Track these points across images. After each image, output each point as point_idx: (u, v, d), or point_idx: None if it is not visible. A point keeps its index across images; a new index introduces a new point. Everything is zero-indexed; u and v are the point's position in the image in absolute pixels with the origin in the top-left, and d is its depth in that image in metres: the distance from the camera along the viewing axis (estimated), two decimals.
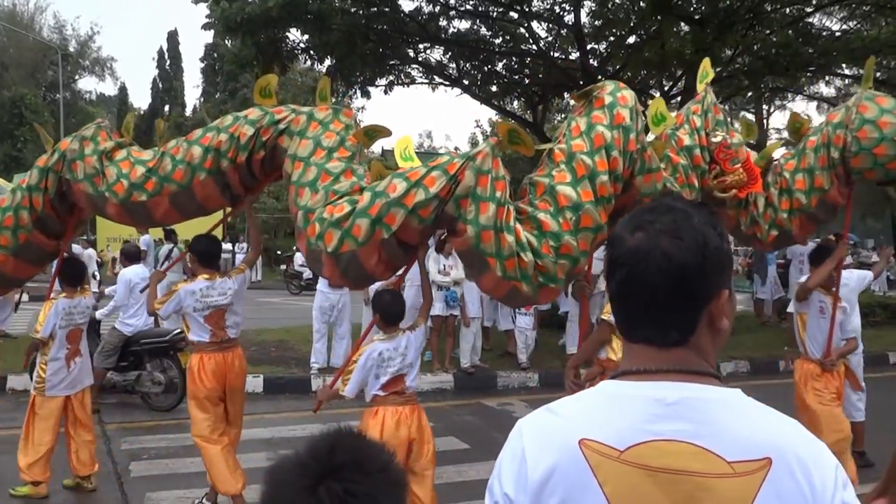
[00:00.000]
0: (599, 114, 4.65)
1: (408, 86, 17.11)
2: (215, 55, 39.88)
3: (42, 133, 5.89)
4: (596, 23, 15.19)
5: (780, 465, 1.26)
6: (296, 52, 15.15)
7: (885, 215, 33.82)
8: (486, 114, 47.89)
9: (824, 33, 15.27)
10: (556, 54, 16.91)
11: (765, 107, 30.62)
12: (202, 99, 44.97)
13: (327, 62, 15.23)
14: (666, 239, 1.33)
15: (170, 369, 8.68)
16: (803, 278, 6.36)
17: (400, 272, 4.99)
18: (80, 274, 6.32)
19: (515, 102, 20.74)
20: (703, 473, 1.26)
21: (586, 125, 4.63)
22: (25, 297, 12.22)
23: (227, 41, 19.30)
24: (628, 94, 4.75)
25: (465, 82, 17.16)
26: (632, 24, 14.38)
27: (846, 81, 22.03)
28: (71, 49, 44.50)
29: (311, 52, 14.96)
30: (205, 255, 5.85)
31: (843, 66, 16.04)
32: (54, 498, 6.02)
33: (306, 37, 14.53)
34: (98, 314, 8.91)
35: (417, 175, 4.33)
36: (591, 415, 1.35)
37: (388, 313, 4.92)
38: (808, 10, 14.48)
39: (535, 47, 16.21)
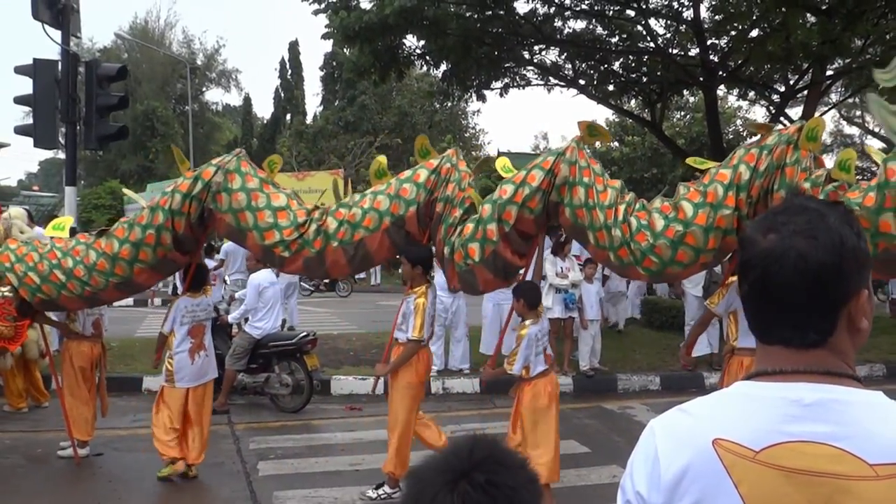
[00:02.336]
0: (754, 152, 5.11)
1: (523, 88, 17.09)
2: (334, 63, 40.88)
3: (178, 154, 6.42)
4: (716, 17, 14.77)
5: None
6: (412, 57, 15.37)
7: None
8: (603, 114, 47.39)
9: None
10: (675, 51, 16.54)
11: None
12: (322, 107, 46.14)
13: (443, 67, 15.39)
14: (801, 239, 1.31)
15: (297, 371, 8.95)
16: None
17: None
18: (204, 279, 6.89)
19: (633, 101, 20.41)
20: (842, 476, 1.23)
21: (738, 159, 5.15)
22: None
23: (345, 49, 19.80)
24: (786, 146, 5.10)
25: (581, 82, 17.01)
26: (754, 17, 13.89)
27: None
28: (198, 62, 46.51)
29: (427, 57, 15.16)
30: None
31: None
32: (184, 492, 6.33)
33: (422, 42, 14.72)
34: (230, 318, 9.29)
35: (520, 177, 5.50)
36: (725, 415, 1.34)
37: (531, 298, 5.89)
38: None
39: (652, 45, 15.90)
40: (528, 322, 5.87)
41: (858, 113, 33.48)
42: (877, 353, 11.31)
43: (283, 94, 49.48)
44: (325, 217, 5.78)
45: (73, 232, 6.92)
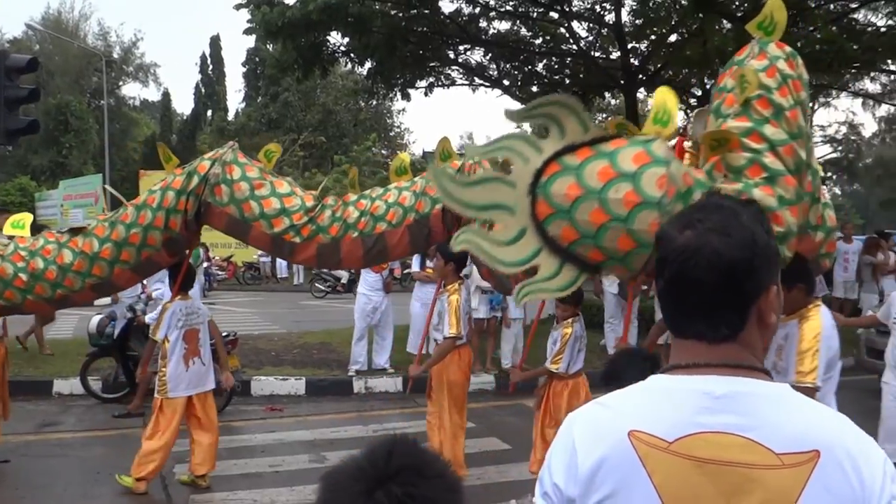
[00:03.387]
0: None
1: (448, 87, 17.18)
2: (257, 59, 40.38)
3: (164, 152, 6.07)
4: (637, 21, 15.08)
5: (829, 458, 1.27)
6: (336, 55, 15.28)
7: None
8: None
9: (869, 29, 14.98)
10: (597, 54, 16.84)
11: (809, 104, 30.13)
12: (244, 103, 45.46)
13: (368, 64, 15.32)
14: (715, 236, 1.34)
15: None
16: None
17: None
18: (193, 279, 6.68)
19: None
20: (751, 465, 1.28)
21: None
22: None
23: (268, 45, 19.54)
24: None
25: (506, 83, 17.15)
26: (673, 23, 14.25)
27: (892, 77, 21.61)
28: (115, 56, 45.24)
29: (352, 54, 15.06)
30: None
31: (889, 61, 15.73)
32: (97, 499, 6.13)
33: (347, 40, 14.64)
34: (147, 318, 9.04)
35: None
36: (641, 407, 1.38)
37: (575, 295, 5.57)
38: (853, 5, 14.22)
39: (575, 47, 16.14)
40: (573, 320, 5.92)
41: None
42: None
43: (203, 90, 48.61)
44: (346, 206, 5.56)
45: None
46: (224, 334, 8.82)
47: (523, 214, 3.28)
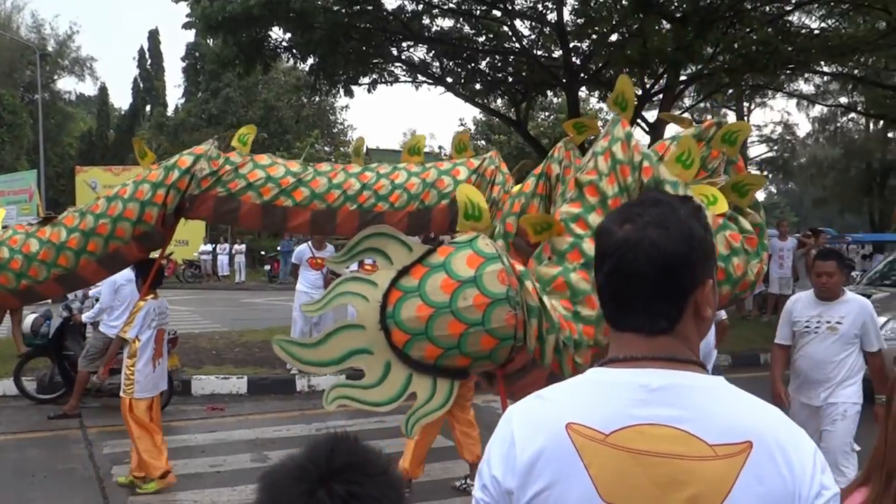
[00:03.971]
0: (665, 143, 4.91)
1: (391, 84, 17.13)
2: (197, 54, 39.67)
3: (140, 147, 5.90)
4: (578, 21, 15.23)
5: (761, 449, 1.29)
6: (278, 50, 15.13)
7: (861, 210, 34.20)
8: (471, 112, 48.06)
9: (803, 31, 15.39)
10: (539, 52, 16.96)
11: (745, 104, 30.82)
12: (184, 99, 44.69)
13: (310, 61, 15.20)
14: (654, 230, 1.36)
15: None
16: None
17: None
18: (162, 277, 6.55)
19: (499, 100, 20.77)
20: (685, 456, 1.29)
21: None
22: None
23: (208, 40, 19.24)
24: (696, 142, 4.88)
25: (449, 80, 17.17)
26: (614, 22, 14.44)
27: (825, 79, 22.22)
28: (49, 49, 43.94)
29: (294, 50, 14.93)
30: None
31: (822, 63, 16.17)
32: (38, 502, 5.98)
33: (288, 35, 14.50)
34: (84, 317, 8.84)
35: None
36: (579, 400, 1.39)
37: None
38: (788, 7, 14.60)
39: (518, 45, 16.24)
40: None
41: (709, 117, 35.28)
42: (723, 345, 11.90)
43: (142, 85, 47.66)
44: (347, 176, 5.52)
45: None
46: None
47: (382, 350, 3.25)
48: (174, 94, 68.01)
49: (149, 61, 48.59)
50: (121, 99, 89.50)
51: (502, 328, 3.19)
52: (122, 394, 6.11)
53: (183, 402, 8.94)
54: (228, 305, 18.98)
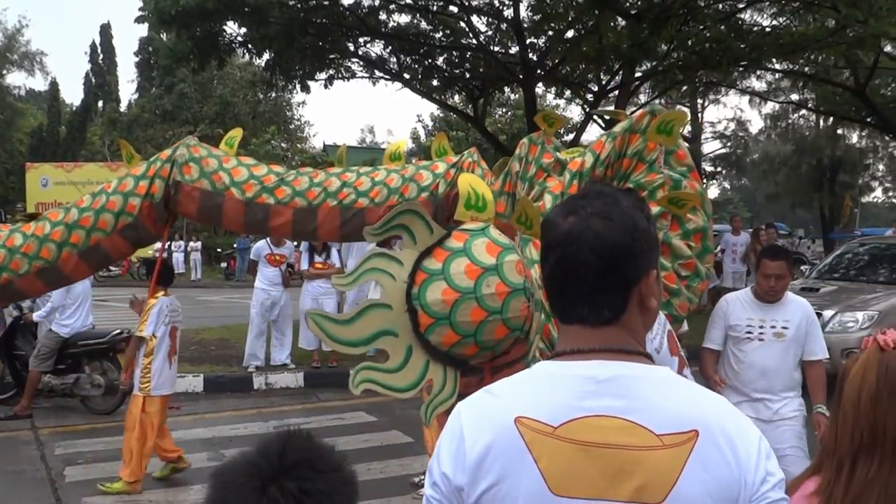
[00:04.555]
0: (602, 140, 4.93)
1: (348, 80, 17.01)
2: (150, 49, 39.04)
3: (127, 149, 5.89)
4: (535, 17, 15.28)
5: (707, 438, 1.31)
6: (233, 45, 14.93)
7: (812, 206, 34.84)
8: (428, 108, 48.02)
9: (755, 28, 15.63)
10: (496, 48, 16.99)
11: (699, 101, 31.20)
12: (137, 94, 43.99)
13: (266, 56, 15.06)
14: (597, 221, 1.37)
15: (110, 371, 8.45)
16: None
17: None
18: (172, 274, 6.67)
19: (457, 96, 20.78)
20: (633, 447, 1.30)
21: (589, 146, 4.98)
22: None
23: (161, 34, 18.96)
24: (629, 135, 4.85)
25: (406, 77, 17.12)
26: (570, 19, 14.51)
27: (776, 76, 22.58)
28: None
29: (249, 45, 14.73)
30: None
31: (774, 60, 16.43)
32: None
33: (244, 30, 14.33)
34: (35, 316, 8.66)
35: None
36: (527, 394, 1.39)
37: None
38: (741, 5, 14.82)
39: (474, 41, 16.26)
40: None
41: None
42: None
43: (94, 80, 46.76)
44: (327, 175, 5.53)
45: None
46: (116, 332, 8.57)
47: (406, 332, 3.26)
48: (127, 89, 67.17)
49: (101, 56, 47.74)
50: (72, 94, 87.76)
51: (516, 318, 3.24)
52: (136, 391, 6.12)
53: None
54: (184, 303, 18.63)
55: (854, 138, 34.58)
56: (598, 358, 1.38)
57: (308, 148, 42.27)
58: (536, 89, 18.21)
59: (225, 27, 14.28)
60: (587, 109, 18.25)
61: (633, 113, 5.21)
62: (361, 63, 16.77)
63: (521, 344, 3.42)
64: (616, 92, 16.56)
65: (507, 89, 20.85)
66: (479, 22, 16.42)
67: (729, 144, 37.07)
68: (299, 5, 13.73)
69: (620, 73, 15.37)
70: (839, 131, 32.39)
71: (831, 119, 28.62)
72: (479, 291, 3.20)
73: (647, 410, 1.33)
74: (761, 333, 4.60)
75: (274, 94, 34.39)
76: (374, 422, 7.95)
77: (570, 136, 21.86)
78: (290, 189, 5.40)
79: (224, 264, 28.98)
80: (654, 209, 4.52)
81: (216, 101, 39.17)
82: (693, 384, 1.43)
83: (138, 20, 13.75)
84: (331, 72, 16.35)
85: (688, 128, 25.75)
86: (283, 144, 40.52)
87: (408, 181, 5.42)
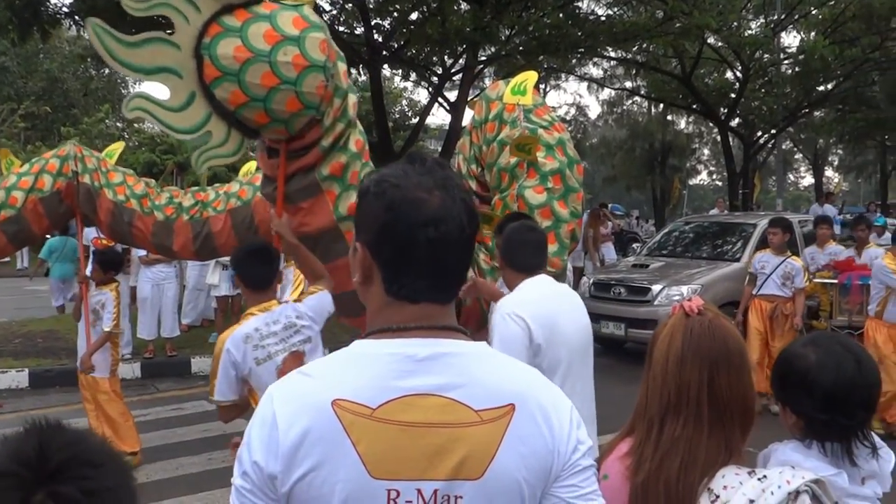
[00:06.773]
0: (478, 103, 5.80)
1: None
2: None
3: (6, 155, 6.32)
4: None
5: (523, 411, 1.33)
6: (58, 17, 14.00)
7: (646, 188, 36.66)
8: None
9: (591, 17, 16.17)
10: (342, 29, 16.78)
11: (541, 86, 32.08)
12: None
13: None
14: (459, 198, 1.36)
15: None
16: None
17: None
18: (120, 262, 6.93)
19: None
20: (453, 424, 1.29)
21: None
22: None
23: None
24: (488, 102, 5.77)
25: None
26: (415, 1, 14.51)
27: (612, 63, 23.51)
28: None
29: (76, 17, 13.87)
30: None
31: (609, 48, 17.10)
32: None
33: (69, 0, 13.48)
34: None
35: None
36: (345, 375, 1.33)
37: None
38: None
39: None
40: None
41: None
42: None
43: None
44: (184, 194, 6.16)
45: None
46: None
47: (191, 78, 3.24)
48: None
49: None
50: None
51: (311, 94, 3.25)
52: (105, 375, 6.46)
53: None
54: (9, 294, 17.52)
55: (682, 124, 36.64)
56: (416, 335, 1.34)
57: (146, 127, 40.47)
58: (383, 71, 18.14)
59: None
60: (432, 92, 18.37)
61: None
62: None
63: (316, 127, 3.44)
64: (461, 75, 16.74)
65: (353, 71, 20.65)
66: (323, 1, 16.16)
67: (569, 129, 38.27)
68: None
69: (464, 56, 15.54)
70: (669, 117, 34.22)
71: (661, 105, 30.16)
72: (273, 56, 3.19)
73: (466, 387, 1.32)
74: None
75: (107, 71, 32.68)
76: (214, 411, 7.70)
77: (416, 120, 21.94)
78: (150, 202, 6.11)
79: None
80: (512, 160, 4.80)
81: (42, 76, 36.76)
82: (509, 359, 1.43)
83: None
84: None
85: None
86: (118, 124, 38.51)
87: (246, 185, 6.52)
